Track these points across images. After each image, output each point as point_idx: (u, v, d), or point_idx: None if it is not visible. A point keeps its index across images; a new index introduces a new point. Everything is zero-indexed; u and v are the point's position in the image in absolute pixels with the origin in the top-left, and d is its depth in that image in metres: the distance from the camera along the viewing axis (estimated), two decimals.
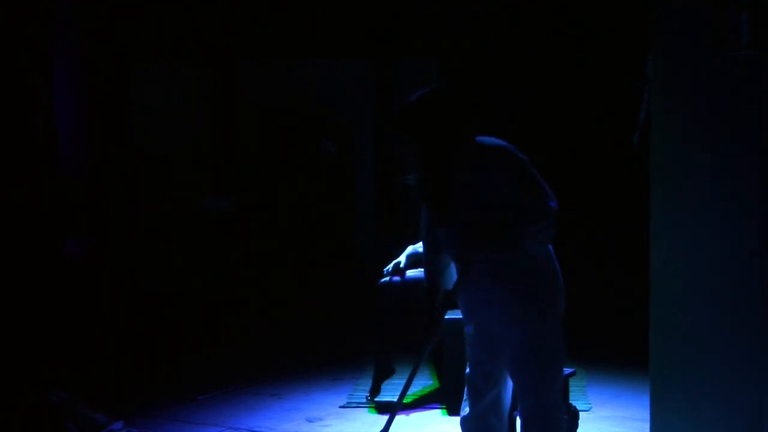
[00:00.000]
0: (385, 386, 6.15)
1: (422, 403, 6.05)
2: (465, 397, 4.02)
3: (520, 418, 3.89)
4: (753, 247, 3.85)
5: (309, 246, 9.83)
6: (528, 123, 8.76)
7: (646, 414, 4.23)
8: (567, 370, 4.80)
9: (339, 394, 6.38)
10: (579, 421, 5.09)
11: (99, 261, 8.10)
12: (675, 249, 4.00)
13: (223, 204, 9.71)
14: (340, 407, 6.06)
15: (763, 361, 3.85)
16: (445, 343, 5.69)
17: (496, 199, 3.69)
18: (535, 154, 3.80)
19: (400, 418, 5.74)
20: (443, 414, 5.82)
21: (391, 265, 6.16)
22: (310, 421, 5.79)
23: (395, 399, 6.08)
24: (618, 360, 7.08)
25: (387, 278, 6.12)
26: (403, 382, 6.36)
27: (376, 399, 6.09)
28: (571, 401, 5.07)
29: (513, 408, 4.15)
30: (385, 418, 5.77)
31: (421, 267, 6.17)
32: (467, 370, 4.00)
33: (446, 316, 4.02)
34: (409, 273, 6.14)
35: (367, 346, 7.07)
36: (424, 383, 6.54)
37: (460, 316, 4.00)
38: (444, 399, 5.95)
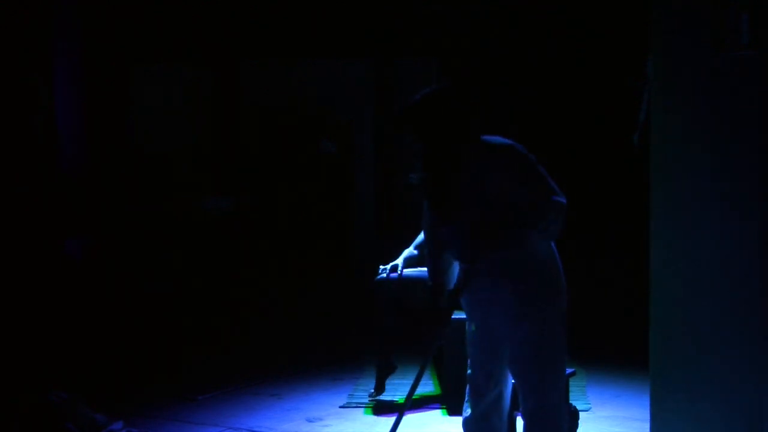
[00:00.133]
0: (387, 385, 6.15)
1: (422, 403, 6.05)
2: (466, 398, 4.02)
3: (522, 417, 3.89)
4: (753, 247, 3.85)
5: (309, 246, 9.83)
6: (528, 123, 8.76)
7: (646, 414, 4.23)
8: (567, 370, 4.80)
9: (339, 394, 6.38)
10: (579, 421, 5.10)
11: (99, 261, 8.10)
12: (675, 249, 4.00)
13: (223, 204, 9.71)
14: (340, 407, 6.06)
15: (763, 361, 3.86)
16: (445, 343, 5.69)
17: (500, 198, 3.68)
18: (535, 154, 3.79)
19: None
20: (443, 414, 5.82)
21: (389, 265, 6.17)
22: (310, 421, 5.79)
23: (394, 398, 6.11)
24: (618, 360, 7.08)
25: (383, 275, 6.13)
26: (405, 379, 6.42)
27: (379, 398, 6.09)
28: (571, 401, 5.07)
29: (513, 408, 4.15)
30: (384, 418, 5.79)
31: (417, 267, 6.17)
32: (468, 370, 4.00)
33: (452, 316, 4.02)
34: (406, 271, 6.15)
35: (367, 345, 7.07)
36: (423, 383, 6.54)
37: (461, 316, 4.00)
38: (444, 399, 5.95)
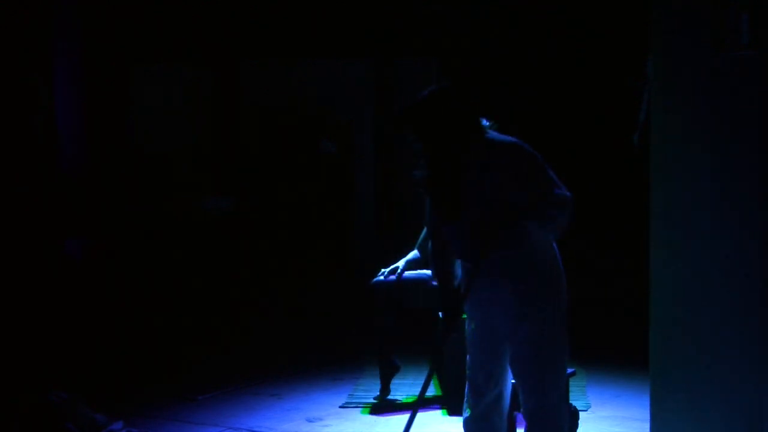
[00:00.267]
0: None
1: (423, 403, 6.04)
2: (466, 398, 4.02)
3: (523, 417, 3.89)
4: (753, 247, 3.85)
5: (309, 246, 9.83)
6: (528, 123, 8.75)
7: (646, 414, 4.23)
8: (567, 370, 4.80)
9: (339, 394, 6.38)
10: (579, 421, 5.10)
11: (99, 261, 8.10)
12: (675, 249, 4.00)
13: (223, 204, 9.71)
14: (340, 407, 6.06)
15: (763, 361, 3.86)
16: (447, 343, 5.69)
17: (501, 197, 3.68)
18: (540, 153, 3.80)
19: (399, 419, 5.74)
20: (444, 414, 5.82)
21: (389, 269, 6.16)
22: (310, 421, 5.79)
23: (395, 398, 6.11)
24: (618, 360, 7.08)
25: (381, 277, 6.12)
26: (405, 379, 6.42)
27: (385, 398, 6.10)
28: (571, 401, 5.07)
29: (513, 408, 4.15)
30: (384, 418, 5.79)
31: (419, 270, 6.17)
32: (468, 370, 4.00)
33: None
34: (406, 273, 6.14)
35: (368, 346, 7.07)
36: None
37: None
38: (444, 400, 5.95)
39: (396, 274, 6.10)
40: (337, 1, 9.50)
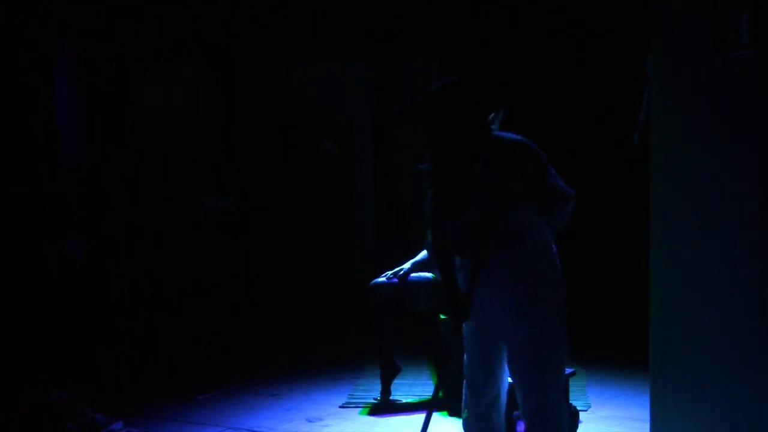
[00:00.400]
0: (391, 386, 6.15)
1: (423, 405, 6.04)
2: (464, 398, 4.02)
3: (522, 418, 3.89)
4: (753, 247, 3.85)
5: (309, 246, 9.82)
6: (528, 123, 8.74)
7: (646, 414, 4.23)
8: (567, 370, 4.80)
9: (339, 394, 6.37)
10: (579, 421, 5.10)
11: (99, 261, 8.09)
12: (675, 249, 4.00)
13: (223, 204, 9.71)
14: (340, 407, 6.06)
15: (763, 361, 3.85)
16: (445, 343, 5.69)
17: (506, 195, 3.69)
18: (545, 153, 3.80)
19: (400, 420, 5.75)
20: (444, 416, 5.81)
21: (392, 271, 6.14)
22: (310, 421, 5.79)
23: (395, 398, 6.11)
24: (618, 360, 7.08)
25: (382, 278, 6.11)
26: (406, 379, 6.42)
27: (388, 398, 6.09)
28: (571, 401, 5.07)
29: (512, 408, 4.15)
30: (383, 418, 5.79)
31: (423, 272, 6.15)
32: (465, 370, 4.00)
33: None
34: (412, 275, 6.13)
35: (367, 346, 7.07)
36: (424, 383, 6.54)
37: None
38: (445, 401, 5.94)
39: (398, 277, 6.08)
40: (337, 1, 9.50)
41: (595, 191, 8.82)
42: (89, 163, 8.47)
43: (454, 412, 5.53)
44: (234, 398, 6.32)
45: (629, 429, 5.50)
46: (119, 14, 8.99)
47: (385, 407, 5.98)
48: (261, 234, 9.75)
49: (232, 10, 9.51)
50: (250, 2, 9.48)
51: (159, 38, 9.48)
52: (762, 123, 3.82)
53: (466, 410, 4.01)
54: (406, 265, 6.14)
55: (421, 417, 5.77)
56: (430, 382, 6.54)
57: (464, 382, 4.02)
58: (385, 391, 6.08)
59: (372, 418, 5.82)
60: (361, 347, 7.51)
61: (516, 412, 4.22)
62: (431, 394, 6.23)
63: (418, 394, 6.30)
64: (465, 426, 4.03)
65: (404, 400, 6.13)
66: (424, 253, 6.14)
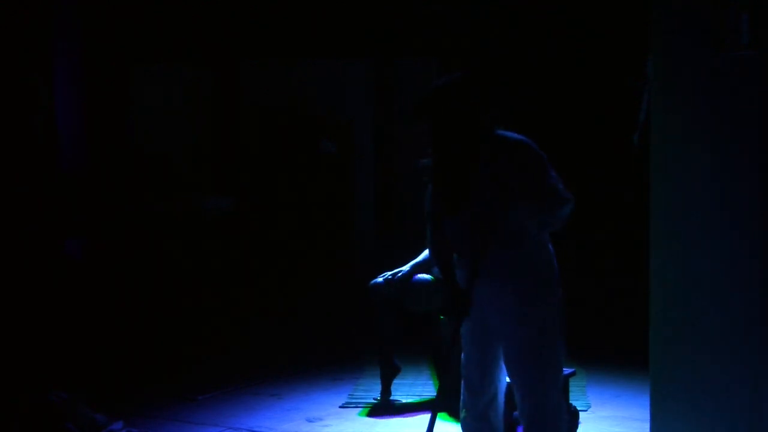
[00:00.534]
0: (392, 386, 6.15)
1: (423, 405, 6.04)
2: (462, 398, 4.02)
3: (521, 418, 3.89)
4: (753, 247, 3.85)
5: (309, 246, 9.82)
6: (528, 123, 8.75)
7: (646, 414, 4.23)
8: (567, 370, 4.80)
9: (339, 394, 6.37)
10: (579, 421, 5.10)
11: (99, 261, 8.10)
12: (675, 249, 4.00)
13: (223, 204, 9.71)
14: (340, 407, 6.06)
15: (763, 361, 3.85)
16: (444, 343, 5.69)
17: (505, 194, 3.69)
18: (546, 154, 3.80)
19: (400, 421, 5.75)
20: (444, 417, 5.81)
21: (391, 273, 6.11)
22: (310, 421, 5.79)
23: (396, 399, 6.11)
24: (618, 360, 7.08)
25: (380, 279, 6.10)
26: (405, 380, 6.42)
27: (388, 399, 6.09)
28: (571, 401, 5.07)
29: (510, 408, 4.14)
30: (383, 420, 5.79)
31: (423, 274, 6.14)
32: (462, 369, 4.00)
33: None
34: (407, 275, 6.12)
35: (367, 346, 7.07)
36: (424, 384, 6.54)
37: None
38: (445, 401, 5.93)
39: (397, 278, 6.06)
40: (337, 1, 9.50)
41: (595, 191, 8.83)
42: (89, 163, 8.47)
43: (454, 413, 5.53)
44: (234, 398, 6.32)
45: (629, 429, 5.50)
46: (119, 14, 8.99)
47: (385, 407, 5.98)
48: (261, 234, 9.75)
49: (232, 10, 9.51)
50: (250, 2, 9.48)
51: (159, 38, 9.48)
52: (762, 123, 3.82)
53: (464, 410, 4.01)
54: (405, 268, 6.12)
55: (421, 417, 5.80)
56: (430, 382, 6.54)
57: (462, 381, 4.02)
58: (385, 391, 6.07)
59: (372, 419, 5.82)
60: (361, 347, 7.51)
61: (516, 413, 4.21)
62: (432, 394, 6.23)
63: (418, 394, 6.30)
64: (463, 426, 4.03)
65: (404, 400, 6.12)
66: (423, 255, 6.12)
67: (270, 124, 10.05)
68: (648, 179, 4.07)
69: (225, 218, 9.64)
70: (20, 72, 8.00)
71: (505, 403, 4.05)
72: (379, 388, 6.10)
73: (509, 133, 3.80)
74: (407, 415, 5.84)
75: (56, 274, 7.54)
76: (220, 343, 7.96)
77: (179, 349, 7.66)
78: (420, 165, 5.65)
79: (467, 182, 3.75)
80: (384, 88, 9.87)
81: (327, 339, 8.12)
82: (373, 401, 6.09)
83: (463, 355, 4.01)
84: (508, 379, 3.96)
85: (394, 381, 6.12)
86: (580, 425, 5.12)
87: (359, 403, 6.13)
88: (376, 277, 6.16)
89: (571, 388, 5.21)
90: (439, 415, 5.70)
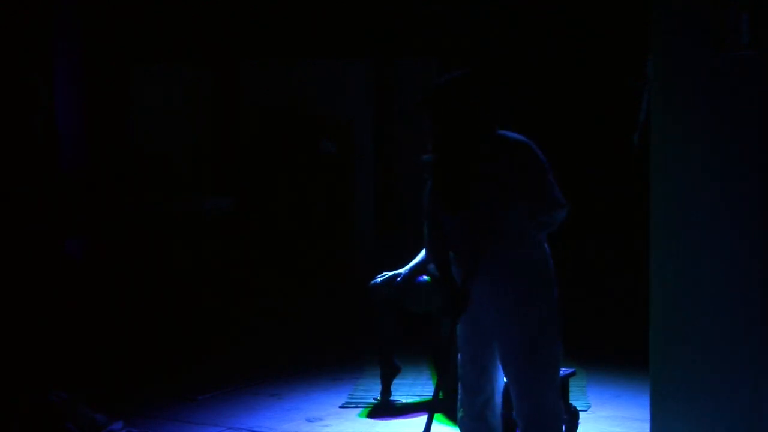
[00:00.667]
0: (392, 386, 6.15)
1: (422, 406, 6.03)
2: (459, 398, 4.02)
3: (518, 419, 3.88)
4: (753, 247, 3.85)
5: (309, 246, 9.82)
6: (528, 123, 8.75)
7: (646, 414, 4.23)
8: (567, 370, 4.81)
9: (339, 394, 6.37)
10: (579, 421, 5.10)
11: (99, 261, 8.10)
12: (675, 249, 4.00)
13: (223, 204, 9.71)
14: (340, 407, 6.06)
15: (763, 361, 3.85)
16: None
17: (503, 195, 3.69)
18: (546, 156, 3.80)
19: (399, 420, 5.75)
20: (443, 417, 5.81)
21: (390, 274, 6.11)
22: (310, 421, 5.79)
23: (396, 399, 6.11)
24: (618, 360, 7.08)
25: (378, 280, 6.10)
26: (405, 380, 6.42)
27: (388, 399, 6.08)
28: (571, 401, 5.07)
29: (508, 409, 4.14)
30: (383, 421, 5.79)
31: (426, 275, 6.13)
32: (459, 369, 4.00)
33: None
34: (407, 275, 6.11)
35: (367, 346, 7.07)
36: (423, 384, 6.54)
37: None
38: (444, 401, 5.94)
39: (397, 281, 6.05)
40: (337, 1, 9.50)
41: (595, 191, 8.84)
42: (89, 163, 8.47)
43: (452, 414, 5.52)
44: (234, 398, 6.32)
45: (629, 429, 5.50)
46: (119, 14, 8.99)
47: (385, 407, 5.98)
48: (261, 234, 9.75)
49: (232, 10, 9.51)
50: (250, 2, 9.48)
51: (159, 38, 9.48)
52: (762, 123, 3.82)
53: (461, 409, 4.01)
54: (403, 270, 6.11)
55: (421, 417, 5.79)
56: (430, 382, 6.54)
57: (459, 381, 4.02)
58: (385, 391, 6.07)
59: (372, 419, 5.82)
60: (361, 347, 7.51)
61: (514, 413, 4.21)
62: (431, 394, 6.23)
63: (418, 394, 6.30)
64: (461, 425, 4.03)
65: (404, 400, 6.12)
66: (420, 256, 6.13)
67: (270, 124, 10.05)
68: (648, 179, 4.07)
69: (225, 218, 9.64)
70: (20, 72, 8.00)
71: (503, 403, 4.05)
72: (379, 388, 6.11)
73: (510, 133, 3.80)
74: (407, 415, 5.84)
75: (56, 274, 7.54)
76: (220, 343, 7.96)
77: (179, 349, 7.66)
78: (423, 161, 5.64)
79: (467, 182, 3.76)
80: (384, 88, 9.87)
81: (327, 339, 8.12)
82: (373, 401, 6.10)
83: (459, 354, 4.01)
84: (505, 379, 3.96)
85: (394, 381, 6.12)
86: (580, 425, 5.12)
87: (359, 403, 6.13)
88: (375, 278, 6.16)
89: (571, 388, 5.21)
90: (440, 415, 5.75)
